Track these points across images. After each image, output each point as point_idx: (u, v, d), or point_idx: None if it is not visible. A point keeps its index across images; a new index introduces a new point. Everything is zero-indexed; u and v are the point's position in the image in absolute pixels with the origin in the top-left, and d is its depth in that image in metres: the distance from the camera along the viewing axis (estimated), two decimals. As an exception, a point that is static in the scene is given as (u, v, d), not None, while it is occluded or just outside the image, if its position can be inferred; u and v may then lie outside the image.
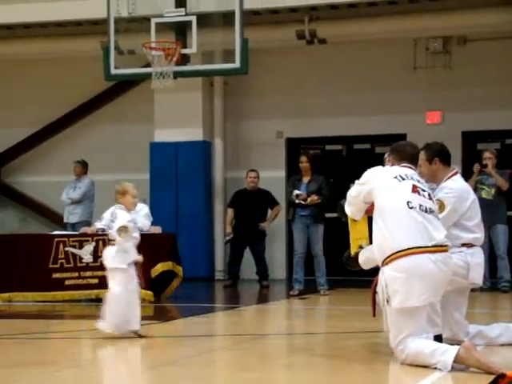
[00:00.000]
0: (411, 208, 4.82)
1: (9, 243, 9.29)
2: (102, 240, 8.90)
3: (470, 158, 11.67)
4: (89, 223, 11.08)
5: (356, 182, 5.11)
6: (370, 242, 5.11)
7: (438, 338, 4.80)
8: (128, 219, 6.04)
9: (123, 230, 5.98)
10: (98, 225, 9.56)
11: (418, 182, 4.98)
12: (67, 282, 8.92)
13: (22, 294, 9.00)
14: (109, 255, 6.07)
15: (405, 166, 5.06)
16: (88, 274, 8.90)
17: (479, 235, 5.39)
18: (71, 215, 11.86)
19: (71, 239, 9.04)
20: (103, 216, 9.62)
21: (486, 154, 10.24)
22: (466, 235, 5.31)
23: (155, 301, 8.78)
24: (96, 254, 8.86)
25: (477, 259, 5.31)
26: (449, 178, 5.44)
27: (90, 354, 5.80)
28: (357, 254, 5.23)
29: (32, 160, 13.74)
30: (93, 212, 11.72)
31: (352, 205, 5.14)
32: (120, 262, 6.02)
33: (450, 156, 5.56)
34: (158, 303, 8.81)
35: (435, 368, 4.53)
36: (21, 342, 6.03)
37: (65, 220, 11.97)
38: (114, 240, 6.01)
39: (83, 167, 12.00)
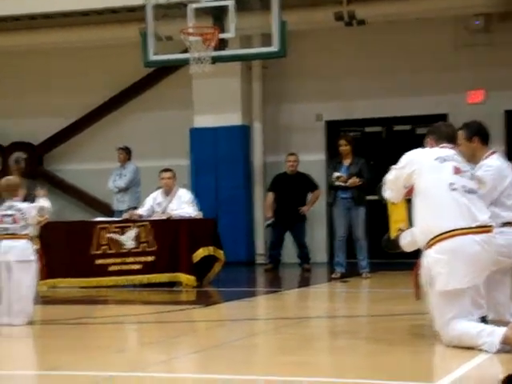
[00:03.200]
0: (453, 190, 4.77)
1: (53, 230, 9.40)
2: (144, 226, 8.99)
3: (514, 137, 11.49)
4: (137, 209, 11.16)
5: (393, 166, 5.06)
6: (409, 225, 5.06)
7: (483, 320, 4.75)
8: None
9: (42, 209, 6.21)
10: (140, 211, 9.69)
11: (459, 162, 4.92)
12: (110, 268, 9.01)
13: (66, 280, 9.13)
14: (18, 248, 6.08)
15: (444, 147, 5.00)
16: (131, 259, 8.98)
17: None
18: (120, 203, 11.95)
19: (113, 226, 9.12)
20: (145, 202, 9.77)
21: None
22: (506, 213, 5.25)
23: (197, 285, 8.83)
24: (138, 240, 8.94)
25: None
26: (487, 157, 5.39)
27: (134, 338, 5.86)
28: (396, 237, 5.19)
29: (73, 148, 13.89)
30: (140, 198, 11.80)
31: (391, 190, 5.10)
32: (31, 254, 6.17)
33: (489, 135, 5.49)
34: (201, 288, 8.86)
35: (481, 349, 4.49)
36: (66, 327, 6.11)
37: (114, 208, 12.06)
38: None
39: (127, 154, 12.06)
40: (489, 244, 4.74)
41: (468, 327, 4.60)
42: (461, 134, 5.37)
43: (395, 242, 5.18)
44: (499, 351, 4.44)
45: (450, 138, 5.08)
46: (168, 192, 9.55)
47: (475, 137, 5.40)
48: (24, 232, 6.08)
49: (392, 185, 5.07)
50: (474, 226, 4.71)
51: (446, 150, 4.97)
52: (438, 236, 4.72)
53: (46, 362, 4.71)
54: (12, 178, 6.47)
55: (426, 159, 4.91)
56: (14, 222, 6.06)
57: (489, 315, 4.95)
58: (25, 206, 6.16)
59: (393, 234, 5.22)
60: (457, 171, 4.84)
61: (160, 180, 9.65)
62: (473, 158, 5.38)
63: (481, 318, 4.74)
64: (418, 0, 11.50)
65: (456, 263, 4.66)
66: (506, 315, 5.20)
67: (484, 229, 4.74)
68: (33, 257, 6.15)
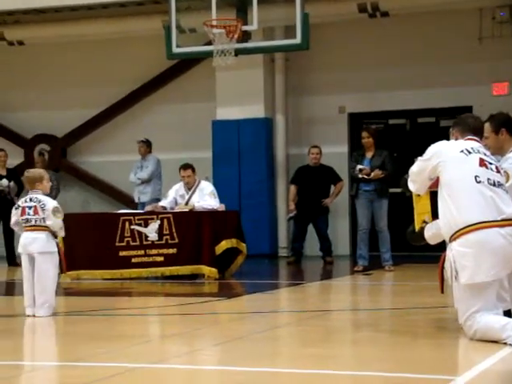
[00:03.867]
0: (479, 182, 4.72)
1: (76, 222, 9.45)
2: (167, 218, 9.01)
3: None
4: (159, 201, 11.20)
5: (419, 158, 5.02)
6: (434, 217, 5.03)
7: (508, 314, 4.71)
8: (56, 203, 6.24)
9: (57, 210, 6.13)
10: (162, 203, 9.72)
11: (485, 155, 4.88)
12: (134, 260, 9.05)
13: (89, 272, 9.18)
14: (40, 240, 6.10)
15: (470, 139, 4.95)
16: (154, 251, 9.01)
17: None
18: (142, 195, 12.00)
19: (136, 217, 9.15)
20: (168, 194, 9.80)
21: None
22: None
23: (220, 278, 8.85)
24: (161, 232, 8.97)
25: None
26: (513, 149, 5.32)
27: (157, 330, 5.88)
28: (421, 229, 5.15)
29: (97, 140, 13.95)
30: (161, 189, 11.84)
31: (415, 182, 5.06)
32: (53, 245, 6.18)
33: (516, 127, 5.41)
34: (223, 280, 8.88)
35: (505, 343, 4.46)
36: (90, 318, 6.15)
37: (136, 200, 12.11)
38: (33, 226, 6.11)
39: (148, 146, 12.11)
40: (514, 237, 4.69)
41: (492, 321, 4.57)
42: (487, 127, 5.30)
43: (420, 235, 5.15)
44: (524, 345, 4.41)
45: (476, 131, 5.03)
46: (190, 186, 9.58)
47: (503, 129, 5.32)
48: (45, 223, 6.11)
49: (416, 177, 5.04)
50: (499, 219, 4.67)
51: (471, 143, 4.92)
52: (462, 229, 4.68)
53: (70, 354, 4.74)
54: (34, 171, 6.50)
55: (452, 151, 4.87)
56: (35, 213, 6.10)
57: (513, 309, 4.91)
58: (44, 198, 6.19)
59: (417, 226, 5.19)
60: (482, 164, 4.80)
61: (180, 177, 9.67)
62: (500, 151, 5.32)
63: (505, 311, 4.70)
64: (442, -9, 11.40)
65: (482, 256, 4.62)
66: (531, 309, 5.15)
67: (510, 222, 4.69)
68: (55, 248, 6.18)
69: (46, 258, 6.12)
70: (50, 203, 6.16)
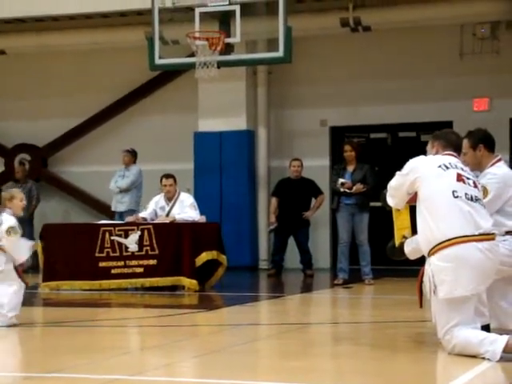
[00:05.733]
0: (457, 197, 4.76)
1: (56, 232, 9.42)
2: (148, 229, 8.99)
3: (518, 145, 11.47)
4: (136, 212, 11.18)
5: (397, 173, 5.05)
6: (413, 232, 5.05)
7: (486, 328, 4.74)
8: (14, 222, 6.18)
9: (11, 230, 6.09)
10: (143, 214, 9.70)
11: (463, 170, 4.91)
12: (113, 271, 9.01)
13: (69, 283, 9.13)
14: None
15: (448, 154, 4.99)
16: (134, 262, 8.98)
17: None
18: (119, 204, 11.95)
19: (117, 228, 9.13)
20: (148, 205, 9.78)
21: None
22: (509, 222, 5.22)
23: (200, 290, 8.83)
24: (141, 243, 8.95)
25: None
26: (492, 165, 5.36)
27: (136, 341, 5.86)
28: (401, 245, 5.18)
29: (78, 150, 13.90)
30: (140, 201, 11.81)
31: (394, 196, 5.10)
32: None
33: (495, 142, 5.47)
34: (203, 292, 8.86)
35: (483, 358, 4.48)
36: (69, 329, 6.11)
37: (112, 209, 12.07)
38: None
39: (132, 156, 12.05)
40: (492, 252, 4.73)
41: (471, 335, 4.59)
42: (466, 143, 5.34)
43: (400, 250, 5.17)
44: (502, 360, 4.43)
45: (457, 147, 5.08)
46: (170, 198, 9.57)
47: (481, 145, 5.36)
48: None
49: (395, 191, 5.07)
50: (476, 233, 4.71)
51: (449, 158, 4.96)
52: (441, 243, 4.71)
53: (48, 365, 4.71)
54: (9, 190, 6.49)
55: (430, 166, 4.91)
56: None
57: (491, 324, 4.94)
58: (5, 217, 6.15)
59: (397, 241, 5.21)
60: (460, 179, 4.83)
61: (162, 187, 9.66)
62: (479, 166, 5.36)
63: (483, 326, 4.73)
64: (423, 7, 11.50)
65: (460, 271, 4.65)
66: (509, 324, 5.19)
67: (487, 236, 4.73)
68: (2, 267, 6.09)
69: None
70: (6, 223, 6.11)
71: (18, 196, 6.32)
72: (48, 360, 4.89)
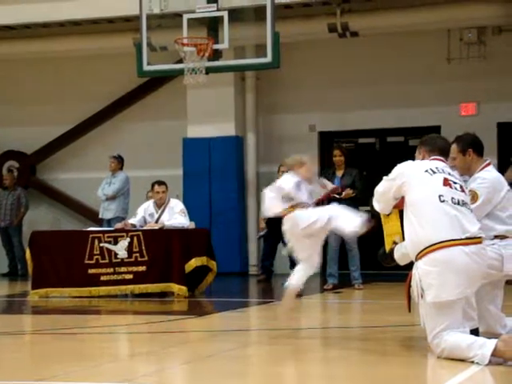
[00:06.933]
0: (443, 201, 4.77)
1: (45, 239, 9.39)
2: (137, 236, 8.97)
3: (506, 149, 11.53)
4: (123, 219, 11.16)
5: (384, 177, 5.07)
6: (403, 238, 5.07)
7: (475, 332, 4.75)
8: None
9: None
10: (132, 220, 9.68)
11: (450, 174, 4.93)
12: (103, 278, 9.00)
13: (58, 290, 9.10)
14: None
15: (435, 159, 5.01)
16: (123, 269, 8.96)
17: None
18: (106, 211, 11.93)
19: (106, 235, 9.11)
20: (137, 212, 9.77)
21: (523, 146, 10.13)
22: (500, 227, 5.23)
23: (189, 296, 8.82)
24: (131, 250, 8.93)
25: (510, 250, 5.24)
26: (482, 169, 5.37)
27: (126, 348, 5.84)
28: (391, 250, 5.19)
29: (67, 157, 13.87)
30: (128, 208, 11.80)
31: (380, 201, 5.11)
32: None
33: (483, 147, 5.49)
34: (193, 298, 8.85)
35: (472, 362, 4.50)
36: (58, 337, 6.09)
37: (100, 216, 12.05)
38: None
39: (119, 162, 12.04)
40: (479, 255, 4.74)
41: (459, 339, 4.60)
42: (454, 148, 5.35)
43: (390, 256, 5.19)
44: (490, 364, 4.44)
45: (443, 151, 5.10)
46: (160, 204, 9.57)
47: (470, 149, 5.37)
48: None
49: (381, 196, 5.08)
50: (463, 237, 4.72)
51: (436, 163, 4.98)
52: (427, 247, 4.73)
53: (38, 372, 4.69)
54: None
55: (416, 171, 4.93)
56: None
57: (480, 327, 4.96)
58: None
59: (387, 247, 5.22)
60: (446, 183, 4.85)
61: (154, 193, 9.65)
62: (468, 171, 5.37)
63: (472, 330, 4.74)
64: (411, 13, 11.56)
65: (447, 275, 4.67)
66: (498, 327, 5.20)
67: (473, 240, 4.74)
68: None
69: None
70: None
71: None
72: (37, 368, 4.87)
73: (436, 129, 11.60)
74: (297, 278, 6.10)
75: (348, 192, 9.68)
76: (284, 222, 6.07)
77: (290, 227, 6.02)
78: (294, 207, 6.00)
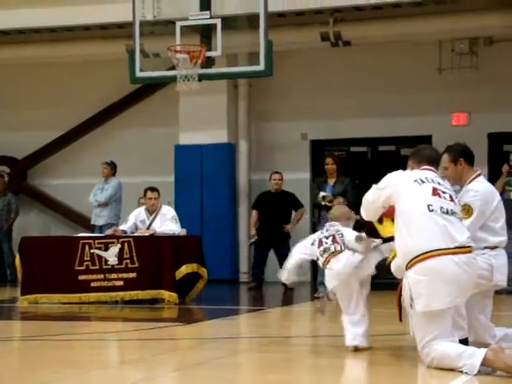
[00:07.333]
0: (432, 211, 4.79)
1: (35, 245, 9.36)
2: (128, 242, 8.96)
3: (497, 159, 11.58)
4: (116, 226, 11.14)
5: (374, 186, 5.08)
6: None
7: (464, 342, 4.77)
8: None
9: None
10: (123, 227, 9.67)
11: (439, 184, 4.94)
12: (93, 284, 8.97)
13: (48, 296, 9.08)
14: None
15: (425, 169, 5.03)
16: (113, 276, 8.95)
17: (505, 238, 5.34)
18: (98, 217, 11.91)
19: (97, 241, 9.09)
20: (128, 218, 9.75)
21: (514, 156, 10.19)
22: (493, 238, 5.24)
23: (180, 303, 8.81)
24: (121, 256, 8.92)
25: (500, 260, 5.26)
26: (473, 180, 5.39)
27: (115, 355, 5.83)
28: (389, 263, 5.19)
29: (58, 163, 13.85)
30: (120, 214, 11.78)
31: (368, 210, 5.12)
32: None
33: (474, 156, 5.51)
34: (183, 305, 8.83)
35: (461, 371, 4.50)
36: (47, 343, 6.07)
37: (92, 222, 12.03)
38: None
39: (112, 168, 12.03)
40: (469, 265, 4.75)
41: (449, 349, 4.61)
42: (446, 157, 5.37)
43: (387, 268, 5.18)
44: (479, 373, 4.45)
45: (432, 161, 5.11)
46: (152, 211, 9.56)
47: (461, 159, 5.38)
48: None
49: (370, 205, 5.09)
50: (452, 246, 4.74)
51: (426, 172, 5.00)
52: (417, 257, 4.74)
53: (26, 379, 4.67)
54: None
55: (406, 181, 4.95)
56: None
57: (470, 337, 4.97)
58: None
59: (389, 259, 5.21)
60: (435, 193, 4.86)
61: (146, 199, 9.65)
62: (459, 181, 5.39)
63: (461, 339, 4.75)
64: (403, 23, 11.61)
65: (436, 284, 4.68)
66: (487, 337, 5.21)
67: (463, 249, 4.76)
68: None
69: None
70: None
71: None
72: (26, 374, 4.85)
73: (427, 138, 11.65)
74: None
75: (339, 200, 9.69)
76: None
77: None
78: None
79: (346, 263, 5.44)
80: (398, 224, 4.88)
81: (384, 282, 7.72)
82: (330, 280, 5.56)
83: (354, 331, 5.39)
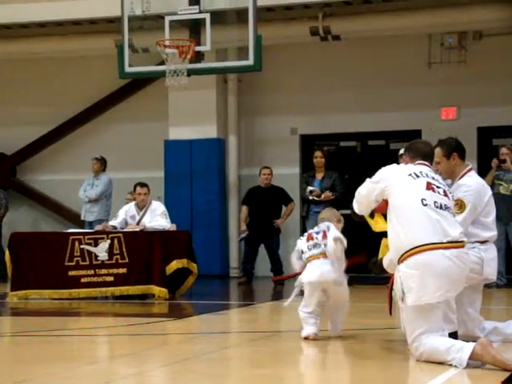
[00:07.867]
0: (425, 205, 4.80)
1: (25, 241, 9.34)
2: (118, 238, 8.95)
3: (486, 153, 11.61)
4: (106, 221, 11.11)
5: (368, 180, 5.08)
6: None
7: (454, 335, 4.79)
8: None
9: None
10: (113, 222, 9.65)
11: (433, 178, 4.96)
12: (83, 280, 8.96)
13: (38, 292, 9.06)
14: None
15: (419, 164, 5.04)
16: (103, 271, 8.94)
17: (495, 232, 5.37)
18: (88, 213, 11.89)
19: (86, 237, 9.08)
20: (118, 214, 9.74)
21: (504, 150, 10.23)
22: (484, 233, 5.26)
23: (170, 298, 8.81)
24: (111, 252, 8.91)
25: (490, 254, 5.29)
26: (464, 174, 5.40)
27: (105, 350, 5.83)
28: (381, 260, 5.20)
29: (47, 158, 13.81)
30: (110, 210, 11.76)
31: (361, 203, 5.13)
32: None
33: (465, 151, 5.52)
34: (173, 300, 8.84)
35: (450, 365, 4.52)
36: (37, 339, 6.06)
37: (82, 218, 12.01)
38: None
39: (102, 164, 12.00)
40: (460, 259, 4.77)
41: (438, 343, 4.63)
42: (438, 152, 5.38)
43: (380, 265, 5.20)
44: (468, 367, 4.47)
45: (426, 156, 5.12)
46: (142, 206, 9.55)
47: (454, 153, 5.40)
48: None
49: (363, 198, 5.10)
50: (445, 241, 4.75)
51: (420, 167, 5.01)
52: (409, 251, 4.76)
53: (16, 375, 4.66)
54: None
55: (400, 175, 4.96)
56: None
57: (459, 330, 4.99)
58: None
59: (381, 255, 5.23)
60: (429, 187, 4.88)
61: (136, 195, 9.64)
62: (452, 175, 5.40)
63: (451, 333, 4.77)
64: (392, 17, 11.62)
65: (427, 278, 4.69)
66: (476, 331, 5.24)
67: (455, 244, 4.77)
68: None
69: None
70: None
71: None
72: (16, 370, 4.84)
73: (417, 133, 11.68)
74: None
75: (327, 195, 9.73)
76: None
77: None
78: None
79: (322, 272, 5.61)
80: (391, 218, 4.89)
81: (373, 276, 7.75)
82: (305, 278, 5.69)
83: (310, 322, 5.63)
